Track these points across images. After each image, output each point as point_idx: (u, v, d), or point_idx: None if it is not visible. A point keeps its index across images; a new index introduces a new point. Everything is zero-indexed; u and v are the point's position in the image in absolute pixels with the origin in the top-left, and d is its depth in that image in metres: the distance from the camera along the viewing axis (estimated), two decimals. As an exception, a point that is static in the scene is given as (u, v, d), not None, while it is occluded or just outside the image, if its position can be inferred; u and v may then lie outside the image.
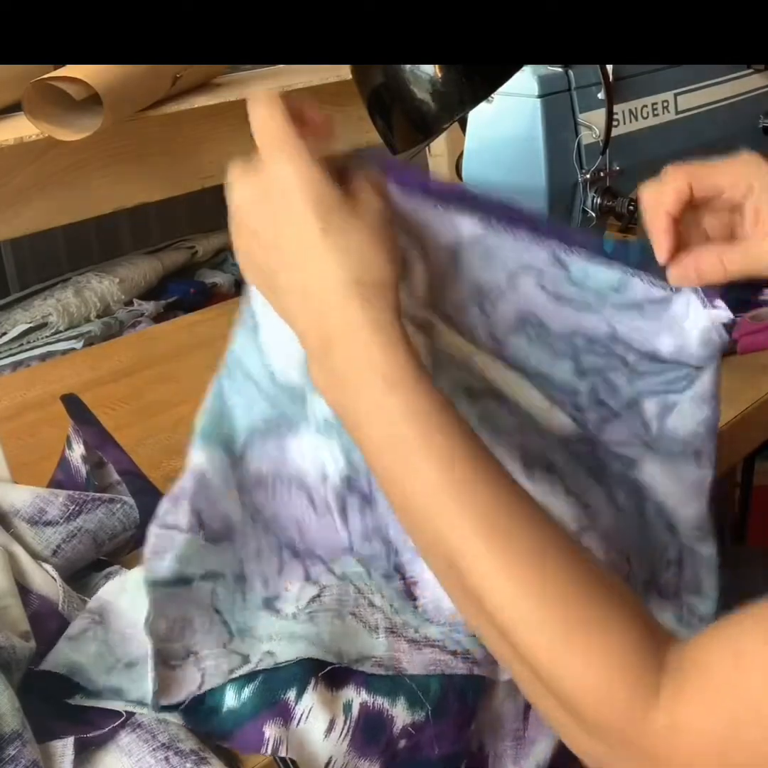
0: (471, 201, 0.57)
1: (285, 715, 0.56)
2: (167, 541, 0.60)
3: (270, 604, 0.64)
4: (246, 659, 0.60)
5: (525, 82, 0.86)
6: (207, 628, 0.62)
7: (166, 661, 0.58)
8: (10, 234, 1.15)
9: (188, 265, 1.69)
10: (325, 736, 0.55)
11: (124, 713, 0.55)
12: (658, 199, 0.65)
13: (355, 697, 0.57)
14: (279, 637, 0.61)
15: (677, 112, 0.99)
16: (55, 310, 1.42)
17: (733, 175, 0.64)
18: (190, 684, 0.58)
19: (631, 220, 1.32)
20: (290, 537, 0.66)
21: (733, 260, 0.65)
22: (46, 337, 1.42)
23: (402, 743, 0.57)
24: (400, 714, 0.57)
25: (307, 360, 0.53)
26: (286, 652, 0.59)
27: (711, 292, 0.96)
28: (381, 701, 0.57)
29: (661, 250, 0.63)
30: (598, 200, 0.90)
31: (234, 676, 0.58)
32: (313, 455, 0.64)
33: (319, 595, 0.64)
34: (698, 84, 1.01)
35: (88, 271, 1.55)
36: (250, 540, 0.65)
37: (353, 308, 0.49)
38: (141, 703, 0.57)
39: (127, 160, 1.19)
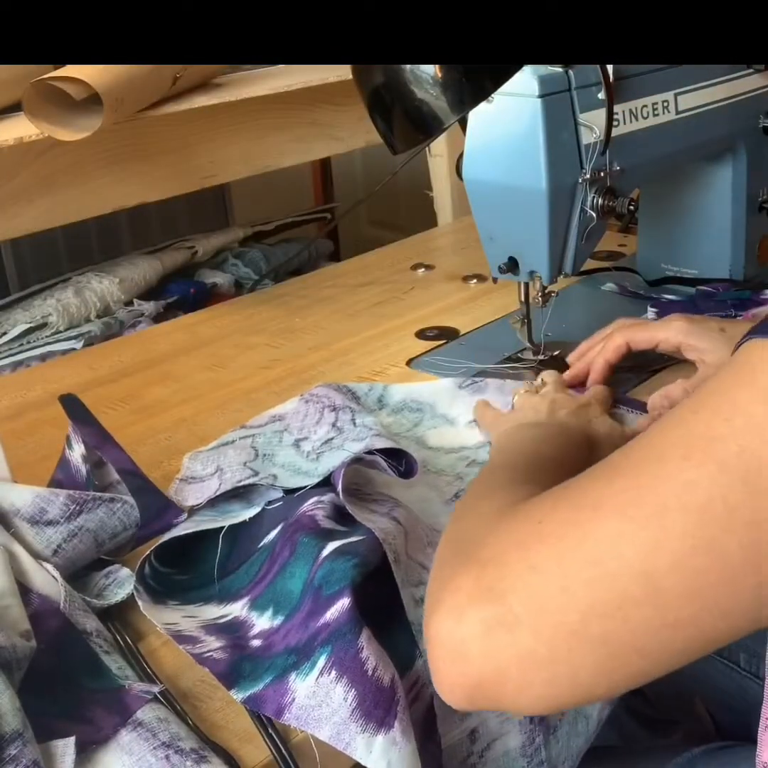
0: None
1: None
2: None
3: (298, 443, 0.81)
4: (255, 474, 0.75)
5: (525, 82, 0.86)
6: (237, 452, 0.79)
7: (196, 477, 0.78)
8: (10, 234, 1.15)
9: (188, 265, 1.68)
10: (184, 617, 0.64)
11: (124, 713, 0.55)
12: (601, 352, 0.90)
13: (235, 610, 0.65)
14: (287, 467, 0.77)
15: (677, 112, 0.99)
16: (55, 310, 1.42)
17: (666, 333, 0.88)
18: (210, 489, 0.75)
19: (631, 220, 1.32)
20: (334, 400, 0.84)
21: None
22: (46, 337, 1.41)
23: (256, 642, 0.61)
24: (261, 622, 0.63)
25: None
26: (287, 481, 0.74)
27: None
28: (250, 614, 0.64)
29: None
30: (598, 200, 0.90)
31: (241, 484, 0.74)
32: None
33: (332, 439, 0.78)
34: (698, 84, 1.01)
35: (88, 271, 1.54)
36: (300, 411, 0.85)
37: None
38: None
39: (127, 160, 1.19)
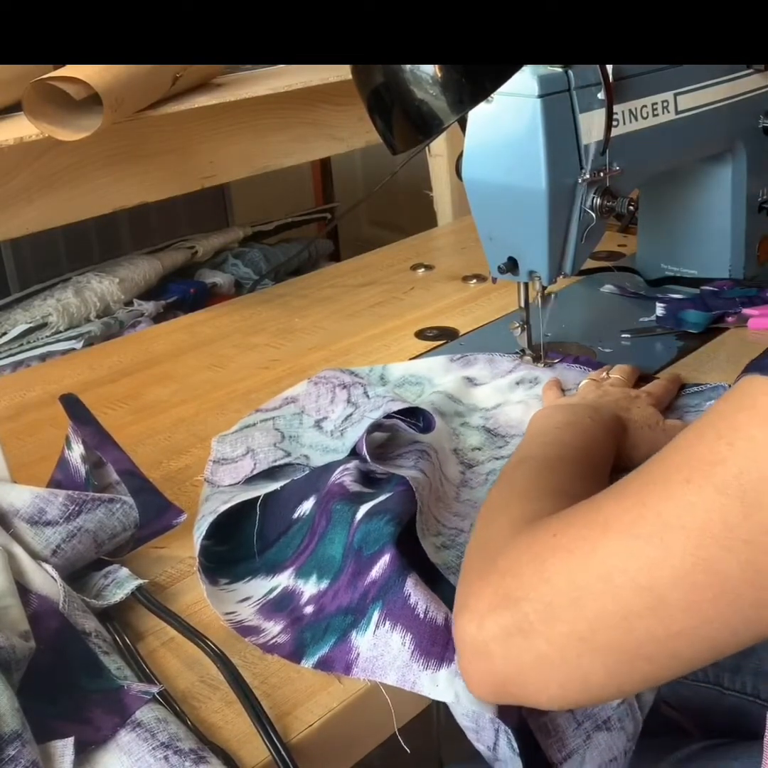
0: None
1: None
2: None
3: (318, 424, 0.84)
4: (287, 455, 0.79)
5: (525, 82, 0.86)
6: (264, 434, 0.82)
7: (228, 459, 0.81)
8: (10, 234, 1.15)
9: (188, 265, 1.69)
10: (240, 602, 0.67)
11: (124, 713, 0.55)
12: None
13: (282, 581, 0.67)
14: (315, 447, 0.80)
15: (677, 112, 0.99)
16: (55, 310, 1.43)
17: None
18: (245, 469, 0.78)
19: (631, 220, 1.32)
20: (342, 379, 0.87)
21: None
22: (46, 337, 1.42)
23: (309, 609, 0.64)
24: (309, 588, 0.66)
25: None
26: (318, 460, 0.77)
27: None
28: (297, 582, 0.67)
29: None
30: (598, 200, 0.90)
31: (276, 464, 0.77)
32: None
33: (350, 415, 0.81)
34: (698, 84, 1.01)
35: (88, 271, 1.55)
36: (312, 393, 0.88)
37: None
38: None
39: (127, 160, 1.19)
